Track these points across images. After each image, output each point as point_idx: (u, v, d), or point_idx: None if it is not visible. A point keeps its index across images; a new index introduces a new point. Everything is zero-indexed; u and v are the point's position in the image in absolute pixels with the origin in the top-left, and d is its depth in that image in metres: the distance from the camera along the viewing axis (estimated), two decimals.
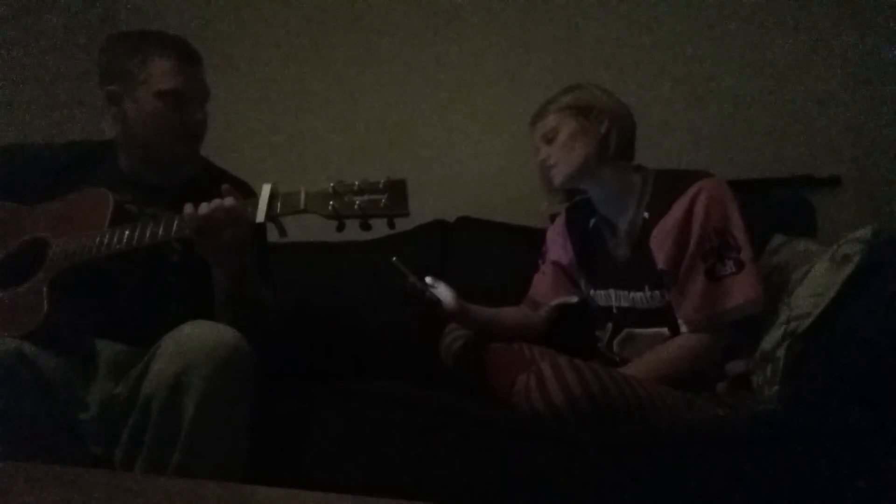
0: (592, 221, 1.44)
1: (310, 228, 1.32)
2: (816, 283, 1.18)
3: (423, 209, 1.08)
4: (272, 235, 1.20)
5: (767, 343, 1.20)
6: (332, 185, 1.06)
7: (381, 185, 1.04)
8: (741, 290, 1.20)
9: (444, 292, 1.36)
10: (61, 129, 2.23)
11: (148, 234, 1.17)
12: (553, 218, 1.59)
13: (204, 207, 1.11)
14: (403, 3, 2.17)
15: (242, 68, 2.34)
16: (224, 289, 1.24)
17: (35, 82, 2.30)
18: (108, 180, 1.35)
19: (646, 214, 1.31)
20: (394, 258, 1.29)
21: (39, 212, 1.34)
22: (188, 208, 1.13)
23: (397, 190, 1.03)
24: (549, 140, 1.35)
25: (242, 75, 2.34)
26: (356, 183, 1.05)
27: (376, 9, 2.21)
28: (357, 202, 1.04)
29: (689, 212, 1.24)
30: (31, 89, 2.28)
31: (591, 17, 1.94)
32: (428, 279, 1.37)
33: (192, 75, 1.34)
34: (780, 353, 1.16)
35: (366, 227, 1.06)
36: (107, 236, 1.21)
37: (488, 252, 1.78)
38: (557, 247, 1.51)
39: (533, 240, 1.62)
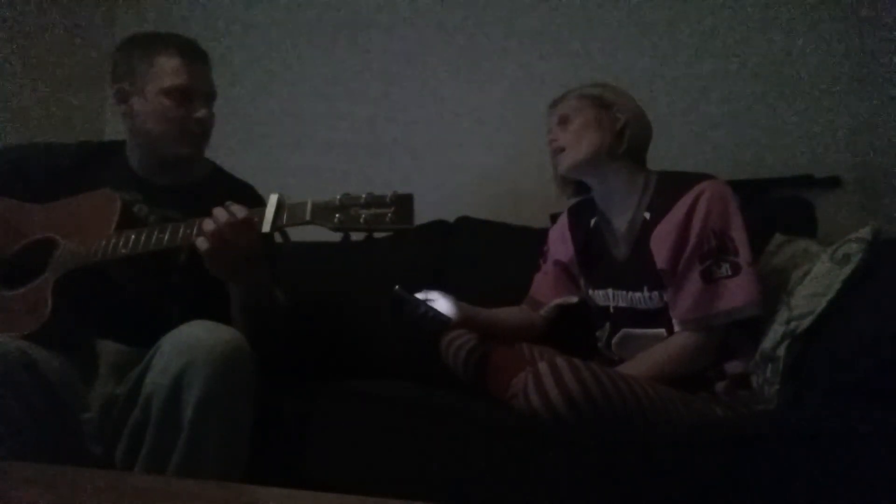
0: (594, 221, 1.44)
1: (310, 227, 1.32)
2: (816, 283, 1.18)
3: (423, 209, 1.08)
4: None
5: (767, 343, 1.20)
6: (338, 197, 1.06)
7: (387, 199, 1.03)
8: (735, 293, 1.20)
9: (445, 304, 1.36)
10: (67, 131, 2.25)
11: (154, 241, 1.18)
12: (554, 218, 1.59)
13: (210, 224, 1.11)
14: (403, 3, 2.18)
15: (242, 70, 2.34)
16: (241, 301, 1.24)
17: (41, 83, 2.30)
18: (118, 180, 1.36)
19: (647, 215, 1.32)
20: (396, 287, 1.26)
21: (48, 211, 1.35)
22: (207, 224, 1.12)
23: (404, 204, 1.03)
24: (563, 123, 1.35)
25: (242, 76, 2.34)
26: (363, 196, 1.05)
27: (376, 8, 2.21)
28: (363, 216, 1.03)
29: (690, 212, 1.24)
30: (38, 89, 2.29)
31: (590, 19, 1.94)
32: (428, 295, 1.35)
33: (199, 73, 1.35)
34: (780, 352, 1.16)
35: (370, 240, 1.06)
36: (114, 240, 1.21)
37: (488, 252, 1.78)
38: (559, 246, 1.51)
39: (533, 240, 1.62)
